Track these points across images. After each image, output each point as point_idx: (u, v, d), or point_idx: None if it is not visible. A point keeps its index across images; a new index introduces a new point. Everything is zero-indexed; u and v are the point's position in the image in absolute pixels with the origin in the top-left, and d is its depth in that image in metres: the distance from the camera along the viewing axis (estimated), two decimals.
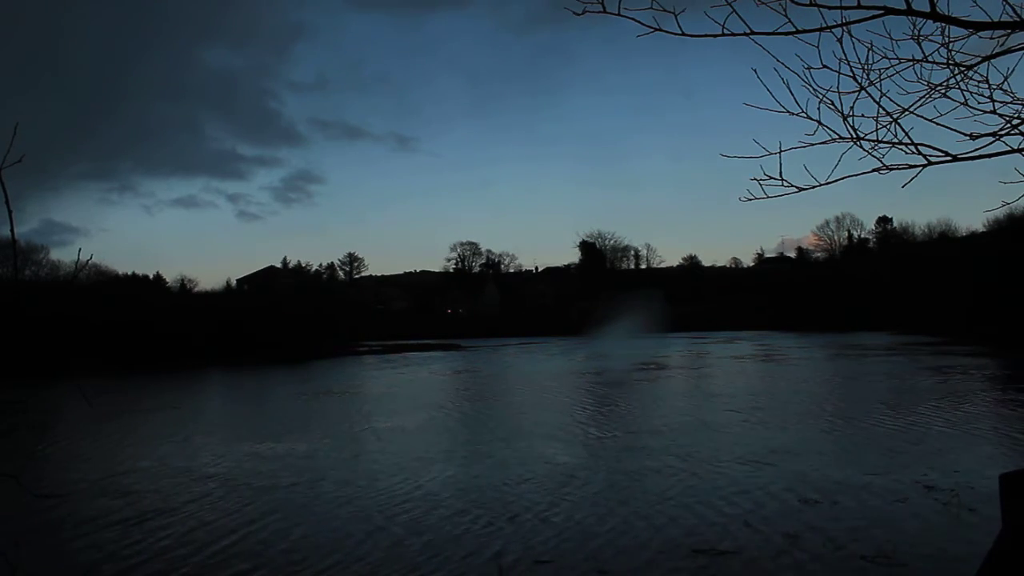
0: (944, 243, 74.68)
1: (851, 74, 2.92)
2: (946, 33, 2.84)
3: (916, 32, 2.87)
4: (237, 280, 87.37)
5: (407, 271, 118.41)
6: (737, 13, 2.72)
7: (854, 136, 2.95)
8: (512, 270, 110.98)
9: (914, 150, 2.90)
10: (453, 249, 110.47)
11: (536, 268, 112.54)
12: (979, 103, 2.92)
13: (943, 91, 2.96)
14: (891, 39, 2.91)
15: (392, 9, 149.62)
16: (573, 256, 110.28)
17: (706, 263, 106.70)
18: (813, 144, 3.03)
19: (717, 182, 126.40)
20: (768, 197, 3.08)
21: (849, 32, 2.80)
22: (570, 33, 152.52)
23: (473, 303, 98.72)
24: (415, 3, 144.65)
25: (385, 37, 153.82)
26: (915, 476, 11.71)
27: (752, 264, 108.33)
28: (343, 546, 9.34)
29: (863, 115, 2.94)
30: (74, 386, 28.36)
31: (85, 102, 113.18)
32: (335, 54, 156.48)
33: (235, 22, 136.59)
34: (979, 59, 2.88)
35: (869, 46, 2.91)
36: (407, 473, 13.48)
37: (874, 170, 2.99)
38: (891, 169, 2.96)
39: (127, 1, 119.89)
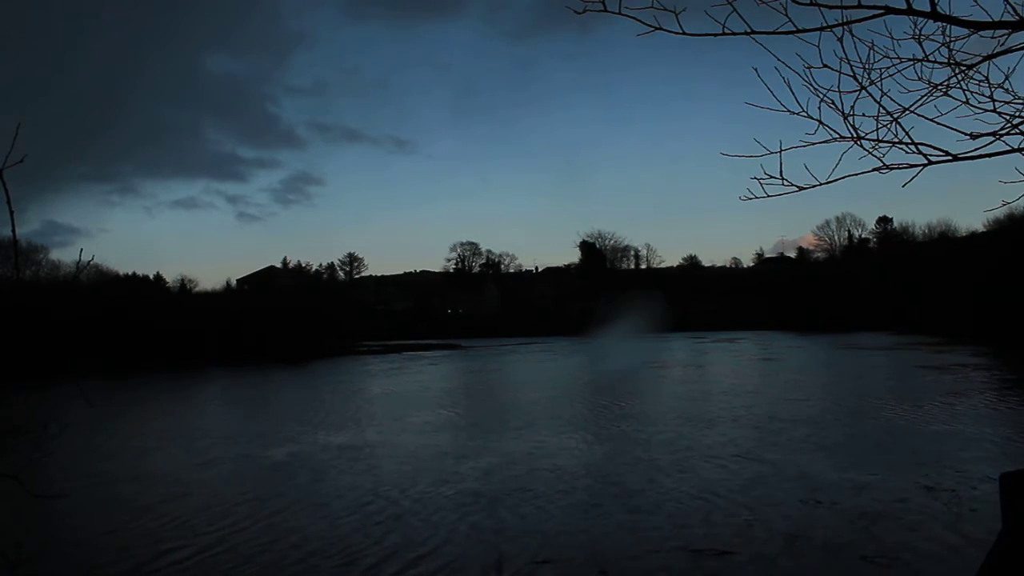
0: (944, 243, 74.51)
1: (852, 73, 2.92)
2: (947, 32, 2.84)
3: (917, 31, 2.87)
4: (237, 280, 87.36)
5: (407, 271, 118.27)
6: (737, 12, 2.72)
7: (855, 135, 2.95)
8: (512, 270, 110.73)
9: (914, 149, 2.90)
10: (453, 249, 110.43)
11: (536, 268, 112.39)
12: (980, 102, 2.92)
13: (944, 90, 2.96)
14: (892, 38, 2.91)
15: (388, 19, 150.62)
16: (573, 256, 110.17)
17: (706, 263, 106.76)
18: (814, 143, 3.03)
19: (717, 182, 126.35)
20: (768, 196, 3.09)
21: (850, 31, 2.80)
22: (563, 39, 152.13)
23: (473, 303, 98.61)
24: (410, 14, 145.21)
25: (382, 45, 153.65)
26: (915, 476, 11.71)
27: (752, 264, 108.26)
28: (337, 545, 9.35)
29: (864, 114, 2.94)
30: (75, 386, 28.38)
31: (88, 106, 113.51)
32: (333, 61, 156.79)
33: (237, 31, 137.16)
34: (980, 58, 2.88)
35: (870, 45, 2.91)
36: (407, 472, 13.49)
37: (874, 169, 2.99)
38: (891, 168, 2.96)
39: (134, 9, 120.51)
